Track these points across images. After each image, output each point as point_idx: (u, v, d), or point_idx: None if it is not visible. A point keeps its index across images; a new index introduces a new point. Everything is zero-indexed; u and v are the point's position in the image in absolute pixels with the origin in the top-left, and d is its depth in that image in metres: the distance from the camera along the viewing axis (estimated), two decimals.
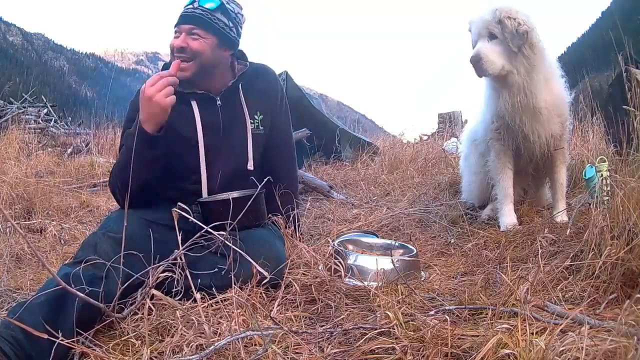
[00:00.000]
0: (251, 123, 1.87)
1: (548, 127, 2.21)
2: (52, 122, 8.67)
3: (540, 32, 2.09)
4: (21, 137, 5.28)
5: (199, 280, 1.42)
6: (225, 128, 1.83)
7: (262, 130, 1.90)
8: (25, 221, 2.90)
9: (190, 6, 1.74)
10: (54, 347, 1.11)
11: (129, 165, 1.58)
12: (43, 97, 9.66)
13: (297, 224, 1.96)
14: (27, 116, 8.10)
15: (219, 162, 1.82)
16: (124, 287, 1.34)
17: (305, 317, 1.46)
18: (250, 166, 1.86)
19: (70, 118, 9.95)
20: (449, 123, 6.88)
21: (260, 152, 1.91)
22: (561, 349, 1.00)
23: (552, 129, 2.22)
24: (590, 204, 1.92)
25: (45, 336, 1.06)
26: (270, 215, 1.86)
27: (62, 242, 2.41)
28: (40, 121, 8.38)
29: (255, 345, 1.21)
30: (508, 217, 2.30)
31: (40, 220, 2.91)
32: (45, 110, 9.00)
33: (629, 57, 2.86)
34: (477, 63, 2.07)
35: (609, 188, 1.95)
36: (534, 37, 2.06)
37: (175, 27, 1.76)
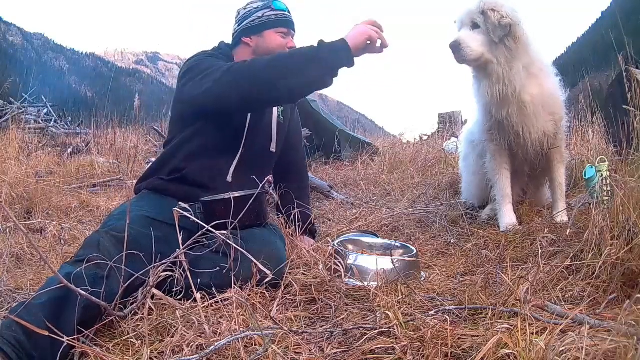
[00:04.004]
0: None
1: (538, 124, 2.20)
2: (52, 122, 8.66)
3: (526, 26, 2.10)
4: (21, 137, 5.26)
5: (199, 280, 1.42)
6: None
7: (283, 120, 2.05)
8: (25, 221, 2.90)
9: (287, 12, 1.98)
10: (57, 348, 1.11)
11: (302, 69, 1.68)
12: (43, 97, 9.64)
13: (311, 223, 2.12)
14: (27, 116, 8.09)
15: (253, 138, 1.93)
16: (125, 286, 1.34)
17: (305, 317, 1.46)
18: (273, 148, 2.00)
19: (70, 118, 9.92)
20: (449, 123, 6.87)
21: (282, 142, 2.05)
22: (561, 349, 1.00)
23: (543, 127, 2.22)
24: (590, 204, 1.92)
25: (47, 334, 1.06)
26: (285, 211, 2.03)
27: (62, 242, 2.40)
28: (40, 121, 8.37)
29: (255, 345, 1.21)
30: (507, 217, 2.30)
31: (40, 220, 2.91)
32: (45, 110, 8.99)
33: (629, 57, 2.87)
34: (456, 48, 2.09)
35: (609, 188, 1.95)
36: (518, 31, 2.07)
37: (285, 27, 1.96)
